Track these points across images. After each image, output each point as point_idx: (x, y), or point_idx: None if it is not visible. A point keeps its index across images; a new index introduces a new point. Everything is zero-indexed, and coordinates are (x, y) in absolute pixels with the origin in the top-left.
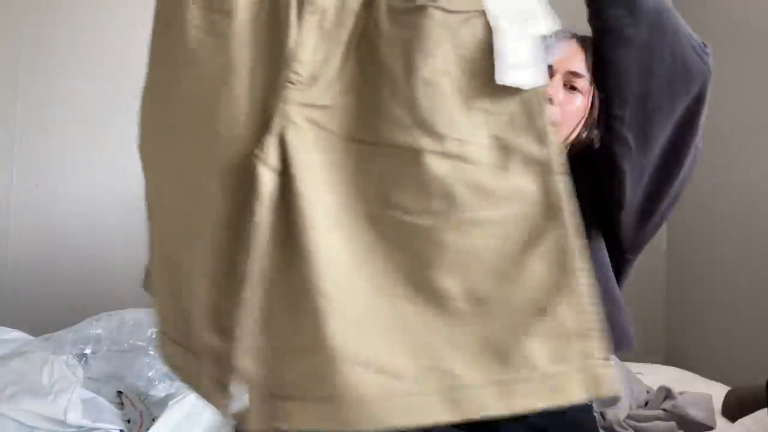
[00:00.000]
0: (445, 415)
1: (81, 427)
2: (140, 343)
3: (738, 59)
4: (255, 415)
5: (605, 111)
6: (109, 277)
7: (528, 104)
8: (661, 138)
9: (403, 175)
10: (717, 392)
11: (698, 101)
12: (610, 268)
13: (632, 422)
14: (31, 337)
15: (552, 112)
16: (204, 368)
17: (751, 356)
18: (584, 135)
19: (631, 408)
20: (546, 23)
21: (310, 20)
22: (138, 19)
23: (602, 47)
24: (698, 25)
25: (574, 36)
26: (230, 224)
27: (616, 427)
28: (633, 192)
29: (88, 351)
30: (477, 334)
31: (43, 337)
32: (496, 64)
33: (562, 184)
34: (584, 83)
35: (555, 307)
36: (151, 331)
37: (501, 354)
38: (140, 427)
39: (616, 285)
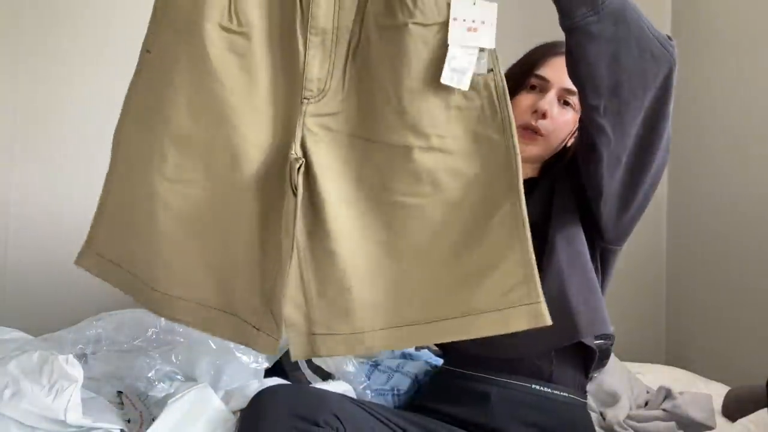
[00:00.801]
0: (431, 338)
1: (81, 426)
2: (140, 344)
3: (738, 59)
4: (296, 348)
5: (582, 102)
6: None
7: (491, 100)
8: (635, 125)
9: (397, 166)
10: (717, 392)
11: (666, 89)
12: (588, 257)
13: (632, 422)
14: (31, 337)
15: (543, 125)
16: (243, 320)
17: (751, 356)
18: (570, 143)
19: (631, 408)
20: (487, 39)
21: (314, 40)
22: (139, 19)
23: (572, 44)
24: (698, 26)
25: None
26: (264, 214)
27: (616, 428)
28: (611, 177)
29: (88, 351)
30: (454, 281)
31: (42, 337)
32: (444, 67)
33: (517, 165)
34: (576, 100)
35: (503, 262)
36: (151, 332)
37: (471, 297)
38: (140, 427)
39: (593, 273)
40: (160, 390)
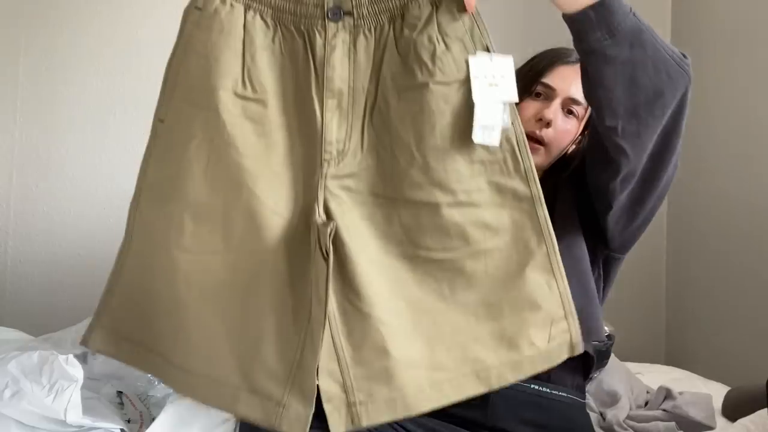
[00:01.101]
0: (478, 389)
1: (81, 426)
2: None
3: (738, 59)
4: (335, 422)
5: (599, 124)
6: None
7: (513, 152)
8: (653, 142)
9: (425, 223)
10: (717, 392)
11: (682, 106)
12: (588, 264)
13: (632, 422)
14: (31, 337)
15: (547, 135)
16: (267, 398)
17: (751, 356)
18: (571, 150)
19: (631, 408)
20: (509, 93)
21: (331, 103)
22: (139, 19)
23: (588, 67)
24: (698, 26)
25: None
26: (287, 282)
27: (616, 428)
28: (622, 192)
29: (87, 351)
30: (492, 329)
31: (43, 337)
32: (473, 125)
33: (545, 212)
34: (580, 109)
35: (546, 302)
36: None
37: (512, 342)
38: (140, 427)
39: (592, 280)
40: (160, 390)
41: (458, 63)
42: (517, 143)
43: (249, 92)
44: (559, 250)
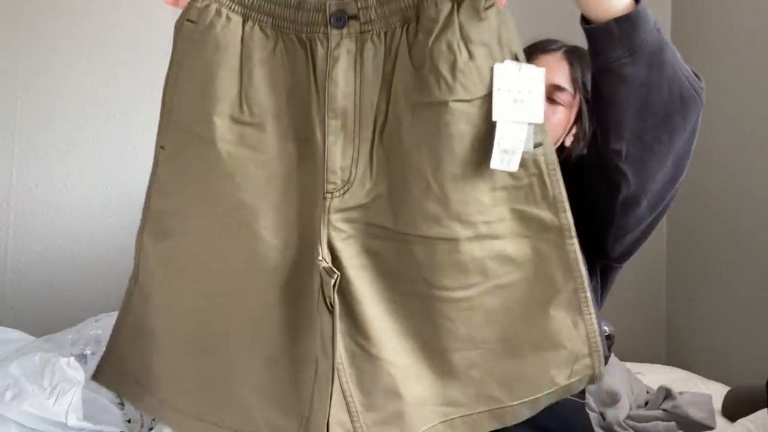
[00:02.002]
0: (492, 426)
1: (82, 429)
2: None
3: (738, 58)
4: None
5: (603, 144)
6: (109, 278)
7: (541, 178)
8: (661, 169)
9: (442, 260)
10: (717, 392)
11: (692, 132)
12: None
13: (632, 422)
14: (31, 338)
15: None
16: None
17: (751, 356)
18: (569, 144)
19: (631, 408)
20: (536, 112)
21: (334, 124)
22: (139, 19)
23: (601, 84)
24: (698, 26)
25: (562, 48)
26: (296, 327)
27: (616, 428)
28: (625, 214)
29: (87, 352)
30: (511, 368)
31: (43, 338)
32: (493, 149)
33: (575, 246)
34: (566, 96)
35: (572, 341)
36: None
37: (531, 382)
38: (141, 427)
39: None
40: None
41: (482, 74)
42: (547, 167)
43: (246, 116)
44: None
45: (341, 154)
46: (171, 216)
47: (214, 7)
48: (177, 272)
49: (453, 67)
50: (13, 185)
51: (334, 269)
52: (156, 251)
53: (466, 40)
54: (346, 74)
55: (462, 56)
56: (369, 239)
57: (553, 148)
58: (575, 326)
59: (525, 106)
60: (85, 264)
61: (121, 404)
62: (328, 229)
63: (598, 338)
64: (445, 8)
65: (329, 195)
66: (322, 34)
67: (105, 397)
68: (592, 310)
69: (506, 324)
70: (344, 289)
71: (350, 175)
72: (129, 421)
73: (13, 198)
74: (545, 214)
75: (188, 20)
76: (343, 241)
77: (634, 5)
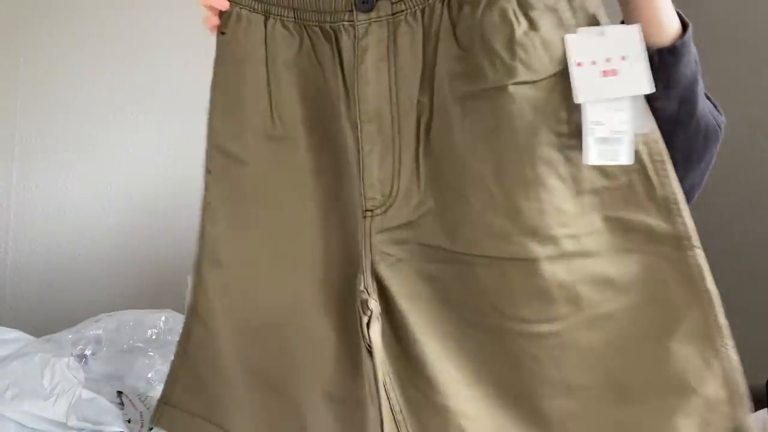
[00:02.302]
0: None
1: (82, 429)
2: (140, 344)
3: (738, 58)
4: None
5: None
6: (109, 278)
7: (644, 173)
8: None
9: (516, 285)
10: None
11: (708, 165)
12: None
13: None
14: (31, 338)
15: None
16: None
17: (751, 356)
18: None
19: None
20: (638, 80)
21: (369, 129)
22: (140, 20)
23: None
24: (698, 26)
25: None
26: (344, 367)
27: None
28: None
29: (88, 352)
30: (621, 418)
31: (43, 338)
32: (584, 141)
33: (698, 259)
34: None
35: (702, 383)
36: (151, 332)
37: (651, 429)
38: (141, 427)
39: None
40: (160, 390)
41: (550, 47)
42: (651, 159)
43: (279, 129)
44: None
45: (379, 165)
46: (222, 243)
47: (235, 11)
48: (234, 303)
49: (510, 41)
50: (13, 185)
51: (368, 305)
52: (213, 280)
53: (524, 6)
54: (377, 68)
55: (521, 26)
56: (423, 263)
57: (659, 133)
58: (707, 364)
59: (621, 78)
60: (85, 264)
61: (121, 404)
62: (371, 253)
63: (740, 378)
64: None
65: (369, 213)
66: (347, 21)
67: (105, 397)
68: (729, 341)
69: (612, 364)
70: (397, 323)
71: (392, 188)
72: (129, 421)
73: (13, 198)
74: (654, 221)
75: (221, 33)
76: (390, 267)
77: (682, 35)
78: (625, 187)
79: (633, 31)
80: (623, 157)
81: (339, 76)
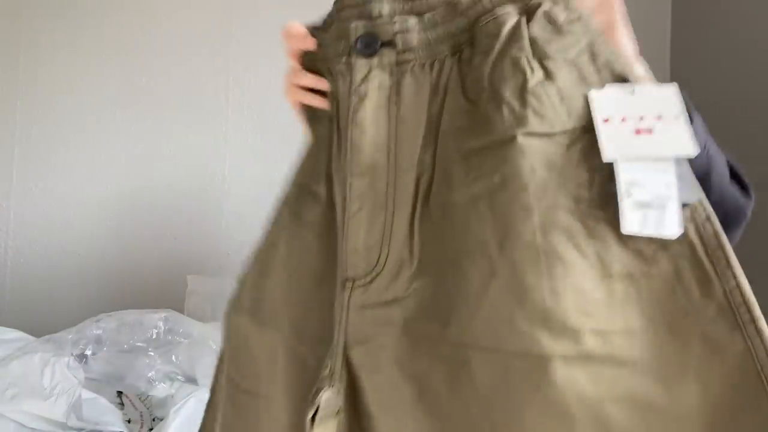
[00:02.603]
0: None
1: (82, 429)
2: (140, 344)
3: (738, 60)
4: None
5: None
6: (109, 278)
7: (694, 256)
8: None
9: (521, 394)
10: None
11: (734, 238)
12: None
13: None
14: (31, 338)
15: None
16: None
17: None
18: None
19: None
20: (681, 139)
21: (357, 185)
22: (140, 21)
23: None
24: (698, 25)
25: None
26: None
27: None
28: None
29: (88, 352)
30: None
31: (43, 338)
32: (621, 204)
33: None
34: None
35: None
36: (152, 332)
37: None
38: (141, 427)
39: None
40: (160, 390)
41: (569, 101)
42: (701, 237)
43: (306, 178)
44: None
45: (366, 227)
46: (249, 288)
47: None
48: (229, 362)
49: (521, 89)
50: (13, 185)
51: (322, 396)
52: (233, 325)
53: (540, 56)
54: (376, 116)
55: (534, 76)
56: (407, 355)
57: (711, 208)
58: None
59: (658, 137)
60: (85, 264)
61: (121, 404)
62: (345, 333)
63: None
64: (510, 21)
65: (350, 284)
66: (344, 64)
67: (105, 397)
68: None
69: None
70: (362, 426)
71: (380, 256)
72: (129, 421)
73: (13, 198)
74: (714, 328)
75: None
76: (365, 355)
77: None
78: (671, 274)
79: (669, 91)
80: (671, 227)
81: (334, 122)
